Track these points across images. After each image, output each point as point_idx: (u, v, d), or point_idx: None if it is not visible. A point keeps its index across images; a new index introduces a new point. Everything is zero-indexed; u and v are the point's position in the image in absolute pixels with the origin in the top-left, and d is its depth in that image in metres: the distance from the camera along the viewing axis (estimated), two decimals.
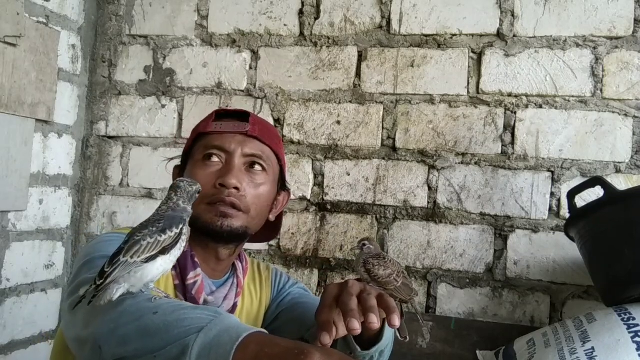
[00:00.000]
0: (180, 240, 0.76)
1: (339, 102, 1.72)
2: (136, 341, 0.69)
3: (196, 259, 1.02)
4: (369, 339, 0.90)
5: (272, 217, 1.11)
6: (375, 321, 0.74)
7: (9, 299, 1.62)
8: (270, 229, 1.15)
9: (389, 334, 0.93)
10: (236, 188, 0.98)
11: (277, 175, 1.09)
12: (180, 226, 0.76)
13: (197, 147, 1.05)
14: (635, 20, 1.51)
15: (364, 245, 0.99)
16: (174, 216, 0.77)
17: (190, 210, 0.81)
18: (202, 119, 1.11)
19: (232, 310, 1.05)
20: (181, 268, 1.00)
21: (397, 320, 0.76)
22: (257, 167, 1.03)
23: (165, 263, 0.75)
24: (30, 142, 1.65)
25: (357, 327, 0.73)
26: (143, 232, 0.74)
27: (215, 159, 1.01)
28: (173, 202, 0.79)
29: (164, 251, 0.74)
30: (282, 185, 1.12)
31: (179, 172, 1.11)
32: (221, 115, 1.08)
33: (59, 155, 1.81)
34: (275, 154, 1.08)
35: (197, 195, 0.82)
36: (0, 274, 1.58)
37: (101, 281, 0.70)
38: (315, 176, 1.73)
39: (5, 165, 1.56)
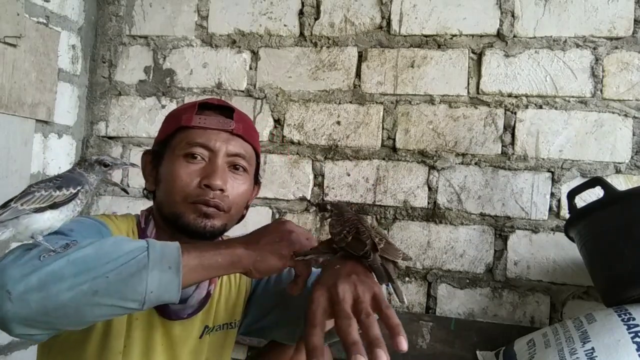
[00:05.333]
0: (74, 202, 0.78)
1: (339, 103, 1.72)
2: (73, 274, 0.70)
3: None
4: None
5: (245, 212, 1.09)
6: (384, 358, 0.64)
7: None
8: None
9: None
10: (221, 190, 0.97)
11: (254, 171, 1.08)
12: (78, 188, 0.79)
13: (177, 140, 1.01)
14: (635, 20, 1.51)
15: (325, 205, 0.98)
16: (73, 178, 0.80)
17: (92, 180, 0.83)
18: (183, 107, 1.06)
19: (206, 298, 1.02)
20: None
21: (404, 344, 0.65)
22: (240, 168, 1.02)
23: (53, 217, 0.77)
24: (30, 142, 1.65)
25: None
26: (40, 185, 0.76)
27: (198, 156, 0.98)
28: (73, 168, 0.84)
29: (54, 206, 0.76)
30: (255, 178, 1.10)
31: (151, 159, 1.07)
32: (204, 106, 1.03)
33: (59, 155, 1.81)
34: (255, 150, 1.07)
35: (100, 167, 0.83)
36: None
37: None
38: (315, 176, 1.73)
39: (5, 166, 1.56)
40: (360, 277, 0.75)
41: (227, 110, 1.04)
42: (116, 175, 1.87)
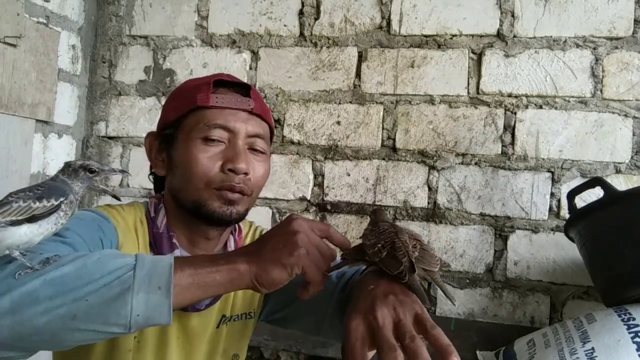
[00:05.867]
0: (57, 214, 0.70)
1: (339, 103, 1.72)
2: (49, 296, 0.63)
3: (174, 240, 0.96)
4: None
5: None
6: None
7: None
8: None
9: None
10: (245, 173, 0.93)
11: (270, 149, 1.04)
12: (61, 199, 0.70)
13: (192, 122, 0.94)
14: (635, 20, 1.52)
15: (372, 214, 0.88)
16: (56, 187, 0.72)
17: (77, 189, 0.74)
18: (194, 85, 0.98)
19: None
20: (157, 250, 0.95)
21: None
22: (259, 148, 0.97)
23: (31, 232, 0.68)
24: (30, 142, 1.65)
25: None
26: (19, 194, 0.68)
27: (217, 139, 0.93)
28: (56, 176, 0.76)
29: (33, 219, 0.67)
30: None
31: (159, 141, 1.01)
32: (218, 84, 0.97)
33: (59, 155, 1.81)
34: (270, 129, 1.03)
35: (86, 174, 0.75)
36: None
37: None
38: (315, 176, 1.73)
39: (5, 166, 1.56)
40: (398, 298, 0.69)
41: (241, 88, 0.98)
42: (116, 176, 1.87)
